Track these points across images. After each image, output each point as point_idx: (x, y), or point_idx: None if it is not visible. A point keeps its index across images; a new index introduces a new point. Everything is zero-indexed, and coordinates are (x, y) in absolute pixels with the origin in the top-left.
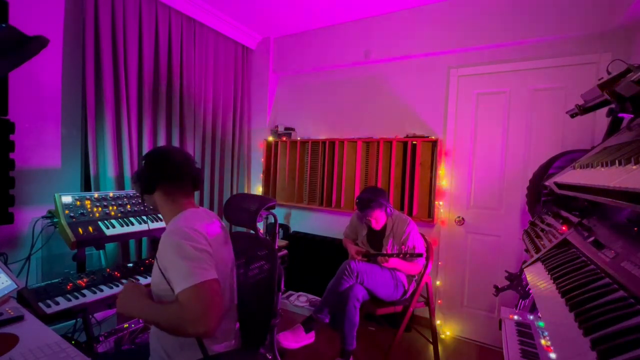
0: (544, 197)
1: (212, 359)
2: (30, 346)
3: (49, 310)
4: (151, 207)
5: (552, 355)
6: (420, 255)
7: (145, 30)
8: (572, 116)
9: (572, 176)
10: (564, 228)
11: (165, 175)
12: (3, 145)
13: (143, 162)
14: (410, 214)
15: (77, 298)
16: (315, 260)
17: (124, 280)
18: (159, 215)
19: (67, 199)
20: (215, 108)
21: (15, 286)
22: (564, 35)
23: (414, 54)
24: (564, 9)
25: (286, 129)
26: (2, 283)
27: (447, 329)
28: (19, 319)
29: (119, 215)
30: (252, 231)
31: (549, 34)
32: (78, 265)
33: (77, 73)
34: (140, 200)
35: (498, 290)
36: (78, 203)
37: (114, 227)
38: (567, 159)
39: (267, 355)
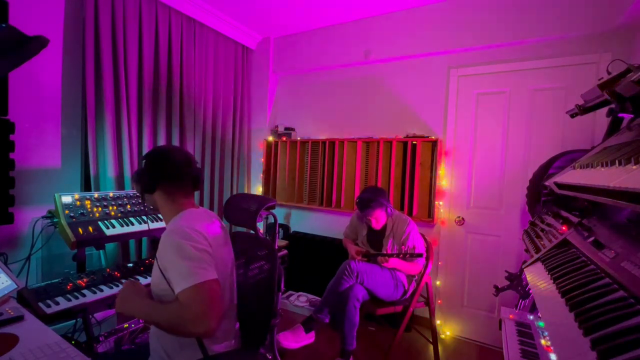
0: (544, 197)
1: (212, 358)
2: (30, 346)
3: (49, 310)
4: (151, 207)
5: (552, 355)
6: (420, 255)
7: (145, 30)
8: (572, 116)
9: (572, 176)
10: (564, 228)
11: (166, 175)
12: (3, 145)
13: (143, 161)
14: (410, 214)
15: (77, 298)
16: (315, 260)
17: (124, 280)
18: (159, 215)
19: (67, 199)
20: (215, 108)
21: (15, 286)
22: (564, 35)
23: (414, 54)
24: (564, 9)
25: (286, 129)
26: (2, 283)
27: (447, 329)
28: (19, 319)
29: (119, 215)
30: (252, 231)
31: (549, 34)
32: (78, 265)
33: (77, 73)
34: (140, 200)
35: (498, 290)
36: (78, 203)
37: (114, 227)
38: (567, 159)
39: (267, 355)
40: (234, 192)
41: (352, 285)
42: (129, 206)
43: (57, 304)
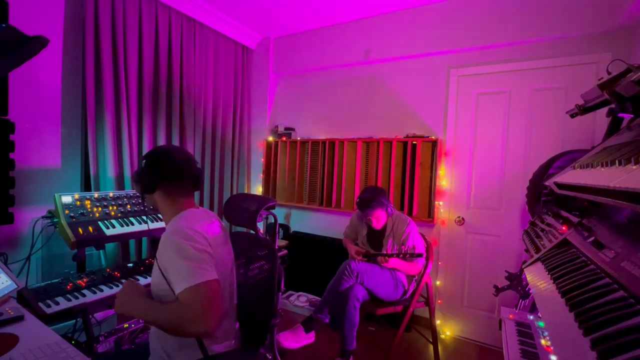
0: (544, 197)
1: (212, 359)
2: (30, 346)
3: (49, 310)
4: (151, 207)
5: (552, 355)
6: (420, 255)
7: (145, 30)
8: (572, 116)
9: (572, 176)
10: (564, 228)
11: (166, 175)
12: (3, 145)
13: (143, 161)
14: (410, 214)
15: (77, 298)
16: (315, 260)
17: (124, 280)
18: (159, 215)
19: (67, 199)
20: (215, 108)
21: (15, 286)
22: (564, 35)
23: (414, 54)
24: (564, 9)
25: (286, 129)
26: (2, 283)
27: (447, 329)
28: (19, 319)
29: (119, 215)
30: (252, 231)
31: (549, 34)
32: (78, 265)
33: (77, 73)
34: (140, 200)
35: (498, 290)
36: (78, 203)
37: (114, 227)
38: (567, 159)
39: (267, 355)
40: (234, 192)
41: (352, 285)
42: (129, 206)
43: (57, 304)
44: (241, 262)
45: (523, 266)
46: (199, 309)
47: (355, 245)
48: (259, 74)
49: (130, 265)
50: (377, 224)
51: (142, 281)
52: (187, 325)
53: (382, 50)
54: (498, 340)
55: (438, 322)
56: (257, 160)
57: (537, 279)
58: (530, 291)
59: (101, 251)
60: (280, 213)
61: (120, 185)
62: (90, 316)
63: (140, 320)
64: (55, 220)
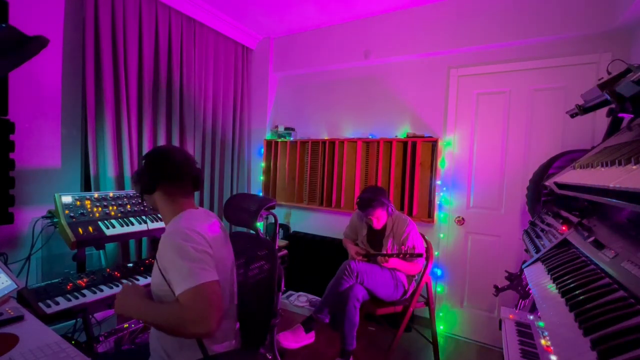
0: (544, 197)
1: (212, 359)
2: (30, 346)
3: (49, 310)
4: (151, 207)
5: (552, 356)
6: (420, 255)
7: (145, 30)
8: (572, 116)
9: (572, 176)
10: (564, 228)
11: (166, 175)
12: (3, 145)
13: (143, 161)
14: (410, 214)
15: (77, 298)
16: (315, 260)
17: (124, 280)
18: (159, 215)
19: (67, 199)
20: (215, 108)
21: (15, 286)
22: (564, 35)
23: (414, 54)
24: (564, 9)
25: (286, 129)
26: (2, 283)
27: (447, 329)
28: (19, 319)
29: (119, 215)
30: (252, 231)
31: (549, 34)
32: (78, 265)
33: (77, 73)
34: (140, 200)
35: (498, 290)
36: (78, 203)
37: (114, 227)
38: (567, 159)
39: (267, 355)
40: (234, 192)
41: (352, 285)
42: (129, 206)
43: (57, 304)
44: (241, 262)
45: (523, 266)
46: (199, 310)
47: (355, 245)
48: (259, 74)
49: (130, 265)
50: (378, 224)
51: (142, 281)
52: (187, 326)
53: (382, 50)
54: (498, 340)
55: (438, 322)
56: (257, 160)
57: (537, 279)
58: (530, 291)
59: (101, 251)
60: (280, 213)
61: (120, 185)
62: (90, 316)
63: (141, 321)
64: (55, 220)
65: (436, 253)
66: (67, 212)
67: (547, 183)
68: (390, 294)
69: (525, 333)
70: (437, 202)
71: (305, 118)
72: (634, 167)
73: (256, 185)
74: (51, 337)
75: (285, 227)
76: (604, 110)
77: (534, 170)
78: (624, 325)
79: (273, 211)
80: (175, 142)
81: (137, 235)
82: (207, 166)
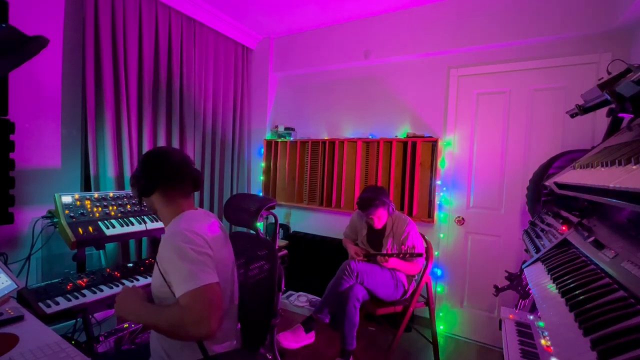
0: (544, 197)
1: (212, 359)
2: (30, 346)
3: (49, 310)
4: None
5: (552, 356)
6: (420, 255)
7: (145, 30)
8: (572, 116)
9: (572, 176)
10: (564, 228)
11: (164, 177)
12: (3, 145)
13: (141, 163)
14: (410, 214)
15: (77, 298)
16: (315, 260)
17: (124, 280)
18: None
19: (67, 199)
20: (215, 108)
21: (15, 286)
22: (564, 35)
23: (414, 54)
24: (564, 9)
25: (286, 129)
26: (2, 283)
27: (447, 329)
28: (19, 319)
29: (119, 215)
30: (252, 231)
31: (549, 34)
32: (78, 265)
33: (77, 73)
34: (138, 202)
35: (498, 290)
36: (78, 203)
37: (114, 227)
38: (567, 159)
39: (267, 355)
40: (234, 192)
41: (352, 285)
42: (129, 206)
43: (57, 304)
44: (241, 262)
45: (523, 266)
46: (200, 312)
47: (355, 245)
48: (259, 74)
49: (130, 265)
50: (379, 223)
51: (142, 281)
52: (188, 329)
53: (382, 50)
54: (498, 340)
55: (438, 322)
56: (257, 160)
57: (537, 279)
58: (530, 291)
59: (101, 251)
60: (280, 213)
61: (120, 185)
62: (90, 316)
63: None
64: (55, 220)
65: (436, 253)
66: (67, 212)
67: (547, 183)
68: (390, 294)
69: (525, 333)
70: (437, 202)
71: (305, 118)
72: (634, 167)
73: (256, 185)
74: (51, 337)
75: (285, 227)
76: (604, 110)
77: (534, 170)
78: (624, 325)
79: (273, 211)
80: (175, 142)
81: (137, 235)
82: (207, 166)
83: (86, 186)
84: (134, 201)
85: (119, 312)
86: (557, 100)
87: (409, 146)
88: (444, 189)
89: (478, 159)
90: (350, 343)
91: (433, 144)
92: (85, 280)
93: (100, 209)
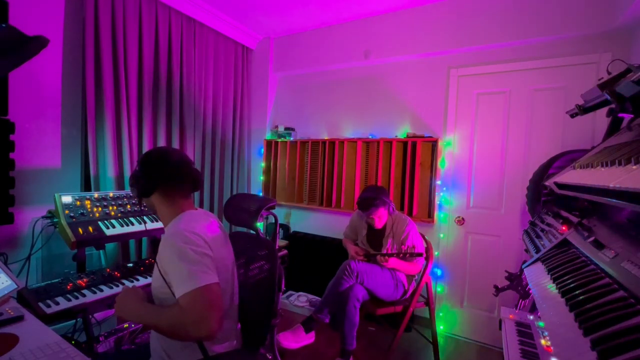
0: (544, 197)
1: (212, 359)
2: (30, 346)
3: (49, 310)
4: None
5: (552, 356)
6: (420, 254)
7: (145, 30)
8: (572, 116)
9: (572, 176)
10: (564, 228)
11: (163, 177)
12: (3, 145)
13: (140, 164)
14: (410, 214)
15: (77, 298)
16: (315, 260)
17: (124, 280)
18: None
19: (67, 199)
20: (215, 108)
21: (15, 286)
22: (564, 35)
23: (414, 54)
24: (564, 9)
25: (286, 129)
26: (2, 283)
27: (447, 329)
28: (19, 319)
29: (119, 215)
30: (252, 231)
31: (549, 34)
32: (78, 265)
33: (77, 73)
34: (138, 203)
35: (498, 290)
36: (78, 203)
37: (114, 227)
38: (567, 159)
39: (267, 355)
40: (234, 193)
41: (352, 285)
42: (129, 206)
43: (57, 304)
44: (241, 262)
45: (523, 266)
46: (200, 312)
47: (355, 245)
48: (259, 74)
49: (130, 265)
50: (379, 223)
51: (142, 281)
52: (188, 329)
53: (382, 50)
54: (498, 340)
55: (438, 322)
56: (257, 160)
57: (537, 279)
58: (530, 291)
59: (101, 251)
60: (280, 213)
61: (120, 185)
62: (90, 316)
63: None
64: (55, 220)
65: (436, 253)
66: (67, 212)
67: (547, 183)
68: (390, 294)
69: (525, 333)
70: (437, 202)
71: (305, 118)
72: (634, 167)
73: (256, 185)
74: (51, 337)
75: (285, 227)
76: (604, 110)
77: (534, 170)
78: (624, 325)
79: (273, 211)
80: (175, 142)
81: (137, 235)
82: (207, 166)
83: (86, 186)
84: (134, 201)
85: (119, 312)
86: (557, 100)
87: (409, 146)
88: (444, 189)
89: (478, 159)
90: (350, 343)
91: (433, 144)
92: (85, 280)
93: (100, 209)
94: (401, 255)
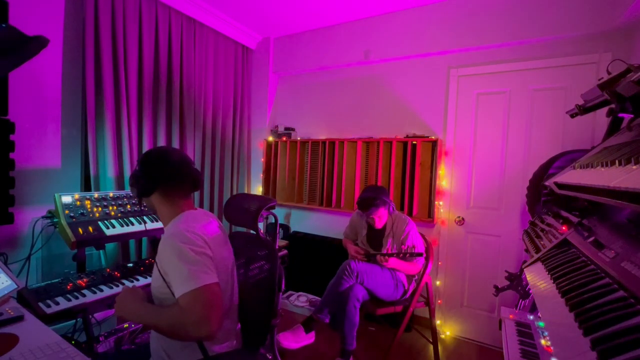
0: (544, 197)
1: (212, 359)
2: (30, 346)
3: (49, 310)
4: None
5: (552, 356)
6: (420, 254)
7: (145, 30)
8: (572, 116)
9: (572, 176)
10: (564, 228)
11: (163, 177)
12: (3, 145)
13: (140, 164)
14: (410, 214)
15: (77, 298)
16: (315, 260)
17: (124, 280)
18: None
19: (67, 199)
20: (215, 108)
21: (15, 286)
22: (564, 35)
23: (414, 54)
24: (564, 9)
25: (286, 129)
26: (2, 283)
27: (447, 329)
28: (19, 319)
29: (119, 215)
30: (252, 231)
31: (549, 34)
32: (78, 265)
33: (77, 73)
34: (138, 202)
35: (498, 290)
36: (78, 203)
37: (114, 227)
38: (567, 159)
39: (267, 355)
40: (234, 192)
41: (352, 285)
42: (129, 206)
43: (57, 304)
44: (241, 262)
45: (523, 266)
46: (200, 312)
47: (355, 245)
48: (259, 74)
49: (130, 265)
50: (379, 223)
51: (142, 281)
52: (188, 329)
53: (382, 50)
54: (498, 340)
55: (438, 322)
56: (257, 160)
57: (537, 279)
58: (530, 291)
59: (101, 251)
60: (280, 213)
61: (120, 185)
62: (90, 316)
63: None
64: (55, 220)
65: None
66: (67, 212)
67: (547, 183)
68: (390, 294)
69: (525, 333)
70: (437, 202)
71: (305, 118)
72: (634, 167)
73: (256, 185)
74: (51, 337)
75: (285, 227)
76: (604, 110)
77: (534, 170)
78: (624, 325)
79: (273, 211)
80: (175, 142)
81: (137, 235)
82: (207, 166)
83: (86, 186)
84: (134, 201)
85: (119, 312)
86: (557, 100)
87: (409, 146)
88: (444, 189)
89: (478, 159)
90: (350, 343)
91: (433, 144)
92: (85, 280)
93: (100, 209)
94: (401, 255)
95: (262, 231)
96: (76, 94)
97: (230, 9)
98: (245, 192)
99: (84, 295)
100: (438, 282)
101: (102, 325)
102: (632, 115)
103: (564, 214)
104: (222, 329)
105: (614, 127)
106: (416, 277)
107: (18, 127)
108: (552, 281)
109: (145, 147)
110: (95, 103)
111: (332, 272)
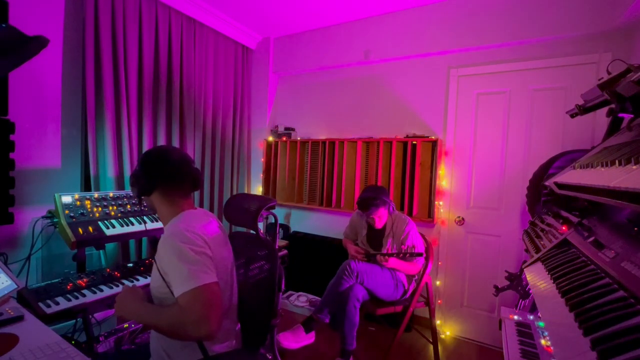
0: (544, 197)
1: (212, 359)
2: (30, 346)
3: (49, 310)
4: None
5: (552, 356)
6: (420, 254)
7: (145, 30)
8: (572, 116)
9: (572, 176)
10: (564, 228)
11: (163, 176)
12: (3, 145)
13: (140, 163)
14: (410, 214)
15: (77, 298)
16: (315, 260)
17: (124, 280)
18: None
19: (67, 199)
20: (215, 108)
21: (15, 286)
22: (564, 35)
23: (414, 54)
24: (564, 9)
25: (286, 129)
26: (2, 283)
27: (447, 329)
28: (19, 319)
29: (119, 215)
30: (252, 231)
31: (549, 34)
32: (78, 265)
33: (77, 73)
34: (138, 202)
35: (498, 290)
36: (78, 203)
37: (114, 227)
38: (567, 159)
39: (267, 355)
40: (234, 192)
41: (352, 285)
42: (129, 206)
43: (57, 304)
44: (241, 262)
45: (523, 266)
46: (199, 312)
47: (355, 245)
48: (259, 74)
49: (130, 265)
50: (379, 223)
51: (142, 281)
52: (188, 329)
53: (382, 50)
54: (498, 340)
55: (438, 322)
56: (257, 160)
57: (537, 279)
58: (530, 291)
59: (101, 251)
60: (280, 213)
61: (120, 185)
62: (90, 316)
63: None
64: (55, 220)
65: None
66: (67, 212)
67: (547, 183)
68: (390, 294)
69: (525, 333)
70: (437, 202)
71: (305, 118)
72: (634, 167)
73: (256, 185)
74: (51, 337)
75: (285, 227)
76: (604, 110)
77: (534, 170)
78: (624, 325)
79: (273, 211)
80: (175, 142)
81: (137, 235)
82: (207, 166)
83: (86, 186)
84: (134, 201)
85: (119, 312)
86: (557, 100)
87: (409, 146)
88: (444, 189)
89: (478, 159)
90: (350, 343)
91: (433, 144)
92: (85, 280)
93: (100, 209)
94: (401, 255)
95: (262, 231)
96: (76, 94)
97: (230, 9)
98: (245, 192)
99: (84, 295)
100: (438, 282)
101: (102, 325)
102: (632, 115)
103: (564, 214)
104: (221, 329)
105: (614, 127)
106: (416, 277)
107: (18, 127)
108: (552, 281)
109: (145, 147)
110: (95, 103)
111: (332, 272)
